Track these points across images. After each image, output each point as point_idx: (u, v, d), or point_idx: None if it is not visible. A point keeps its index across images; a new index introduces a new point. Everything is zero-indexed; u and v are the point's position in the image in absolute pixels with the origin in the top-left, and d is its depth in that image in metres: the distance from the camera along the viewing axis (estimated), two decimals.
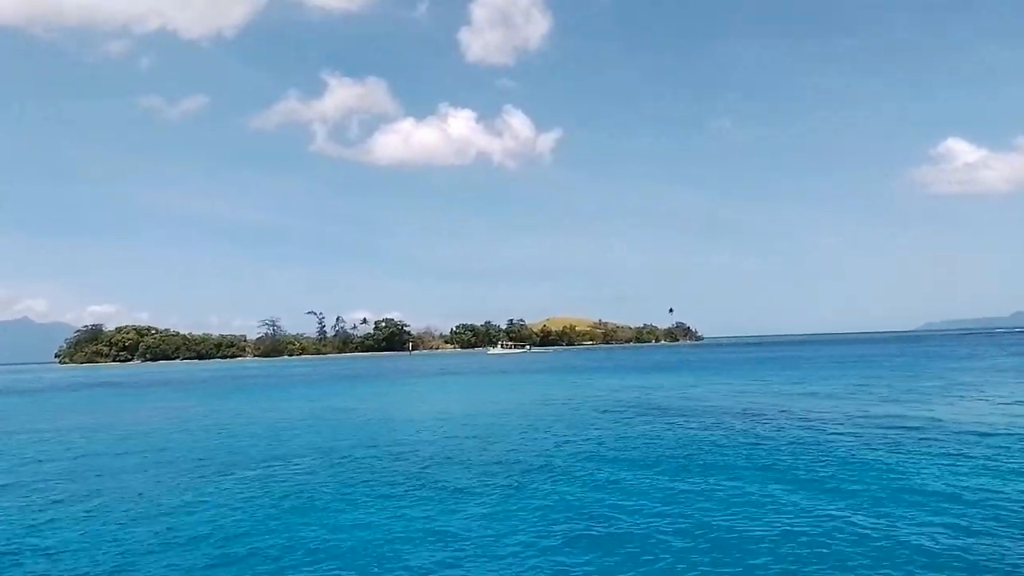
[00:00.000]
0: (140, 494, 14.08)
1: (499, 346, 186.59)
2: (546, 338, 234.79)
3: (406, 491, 13.48)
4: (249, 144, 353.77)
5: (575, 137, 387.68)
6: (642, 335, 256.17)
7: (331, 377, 68.65)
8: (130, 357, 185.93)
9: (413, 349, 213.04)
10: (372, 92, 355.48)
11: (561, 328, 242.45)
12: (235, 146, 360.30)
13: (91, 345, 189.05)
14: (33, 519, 12.32)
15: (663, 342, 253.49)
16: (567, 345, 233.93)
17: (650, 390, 37.03)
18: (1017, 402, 25.21)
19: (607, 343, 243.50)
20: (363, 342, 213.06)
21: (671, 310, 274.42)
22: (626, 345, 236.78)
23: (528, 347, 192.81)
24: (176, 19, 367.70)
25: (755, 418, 23.12)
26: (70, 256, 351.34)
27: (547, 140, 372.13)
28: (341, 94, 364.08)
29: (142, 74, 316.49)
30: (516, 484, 13.80)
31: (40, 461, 18.99)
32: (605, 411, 27.08)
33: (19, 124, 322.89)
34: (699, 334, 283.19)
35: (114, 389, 60.03)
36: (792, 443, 17.64)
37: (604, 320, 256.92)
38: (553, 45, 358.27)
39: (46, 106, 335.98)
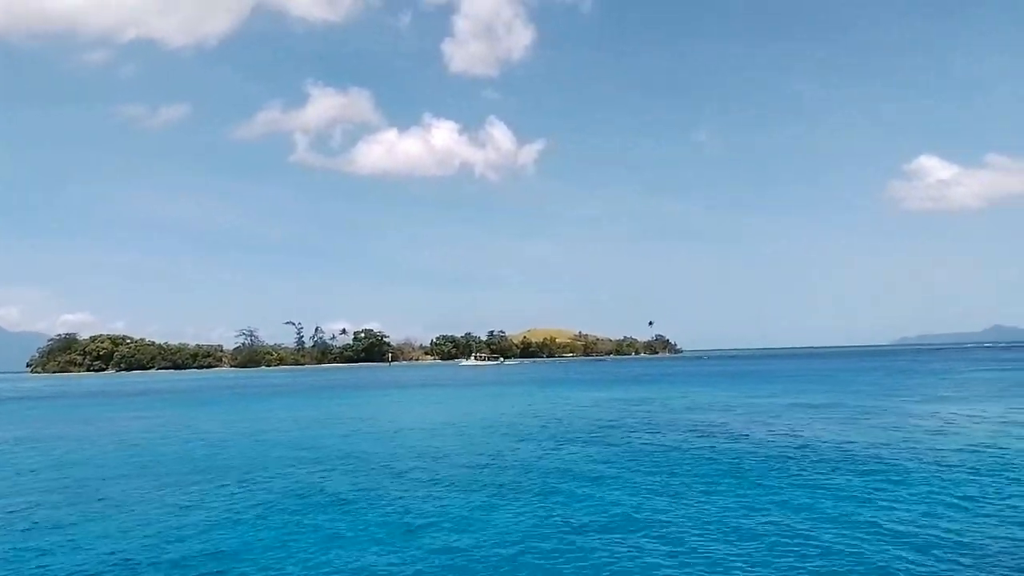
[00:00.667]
0: (140, 501, 14.32)
1: (472, 358, 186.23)
2: (527, 349, 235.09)
3: (371, 503, 13.88)
4: (230, 153, 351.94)
5: (558, 148, 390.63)
6: (622, 348, 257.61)
7: (307, 388, 68.48)
8: (104, 367, 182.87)
9: (393, 360, 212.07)
10: (355, 102, 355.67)
11: (542, 340, 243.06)
12: (216, 155, 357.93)
13: (65, 354, 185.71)
14: (42, 530, 12.53)
15: (643, 355, 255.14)
16: (547, 357, 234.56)
17: (628, 403, 37.62)
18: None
19: (587, 355, 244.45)
20: (342, 353, 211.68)
21: (651, 323, 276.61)
22: (605, 358, 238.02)
23: (501, 360, 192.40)
24: (158, 28, 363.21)
25: (727, 431, 23.80)
26: (44, 263, 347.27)
27: (530, 151, 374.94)
28: (324, 104, 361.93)
29: (123, 83, 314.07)
30: (503, 493, 14.25)
31: (34, 471, 19.06)
32: (583, 422, 27.61)
33: None
34: (678, 347, 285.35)
35: (98, 399, 59.33)
36: (764, 453, 18.30)
37: (584, 332, 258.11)
38: (536, 56, 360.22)
39: (22, 113, 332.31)
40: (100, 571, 10.03)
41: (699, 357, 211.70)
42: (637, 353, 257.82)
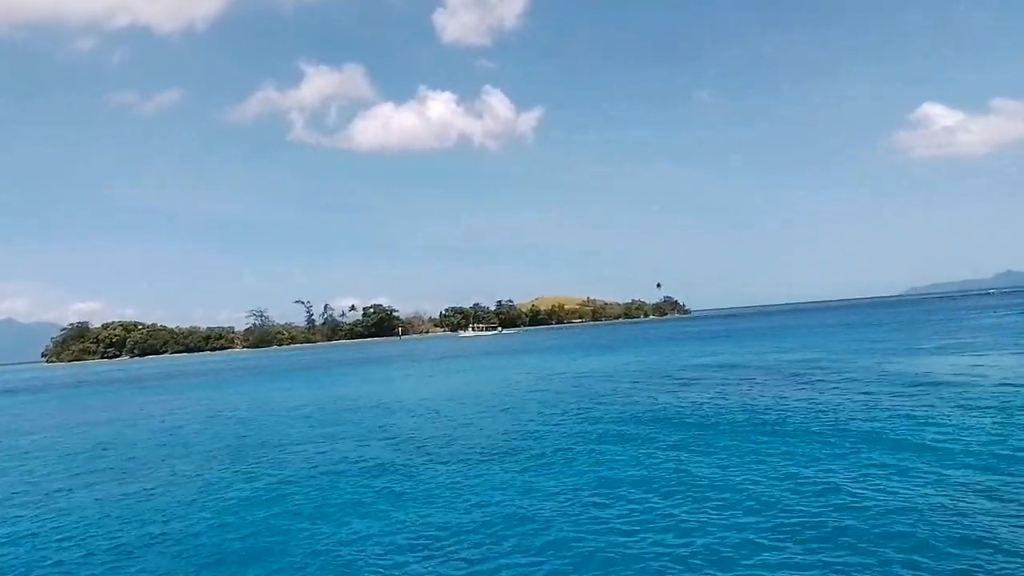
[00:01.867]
0: (203, 474, 14.61)
1: (470, 329, 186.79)
2: (535, 317, 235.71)
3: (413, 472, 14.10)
4: (226, 136, 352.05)
5: (556, 115, 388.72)
6: (631, 311, 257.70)
7: (327, 364, 69.20)
8: (118, 353, 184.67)
9: (403, 334, 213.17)
10: (349, 78, 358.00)
11: (550, 307, 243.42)
12: (212, 138, 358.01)
13: (78, 343, 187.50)
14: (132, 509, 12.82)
15: (652, 317, 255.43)
16: (556, 324, 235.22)
17: (636, 370, 37.79)
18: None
19: (596, 320, 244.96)
20: (352, 329, 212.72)
21: (659, 285, 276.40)
22: (615, 321, 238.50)
23: (499, 329, 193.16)
24: (146, 14, 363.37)
25: (748, 386, 23.95)
26: (51, 255, 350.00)
27: (528, 119, 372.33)
28: (318, 82, 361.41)
29: (114, 70, 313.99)
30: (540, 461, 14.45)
31: (104, 451, 19.43)
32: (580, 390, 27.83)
33: None
34: (687, 308, 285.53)
35: (125, 385, 60.14)
36: (782, 409, 18.43)
37: (593, 297, 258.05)
38: (529, 24, 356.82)
39: (15, 105, 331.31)
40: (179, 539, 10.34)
41: (707, 317, 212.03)
42: (646, 316, 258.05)
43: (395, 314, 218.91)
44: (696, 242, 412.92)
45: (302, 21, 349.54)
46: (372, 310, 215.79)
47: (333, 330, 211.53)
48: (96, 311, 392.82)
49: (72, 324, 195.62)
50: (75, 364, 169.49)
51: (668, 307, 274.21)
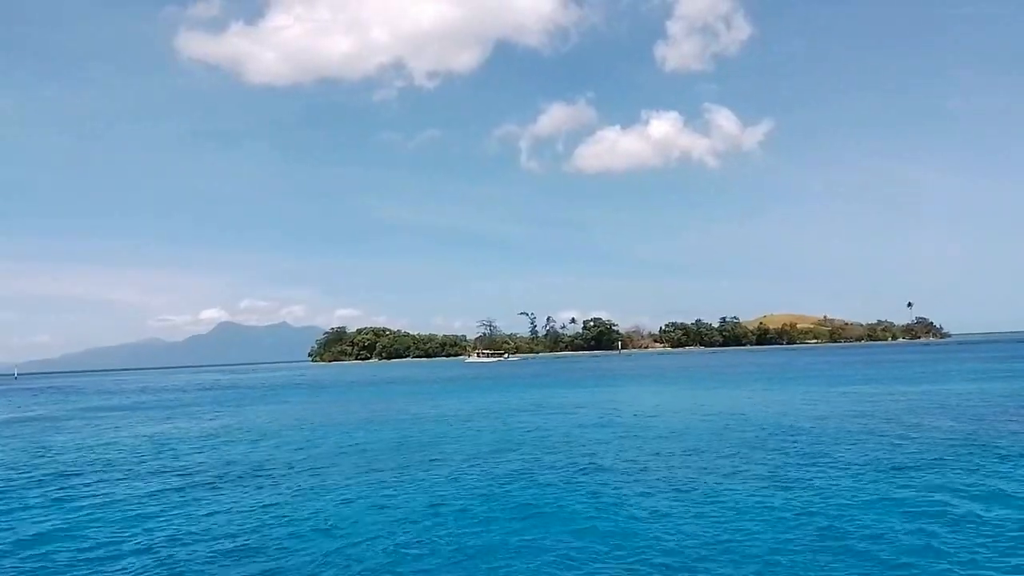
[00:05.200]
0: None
1: (475, 355, 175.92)
2: (763, 336, 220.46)
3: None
4: (470, 165, 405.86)
5: (786, 125, 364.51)
6: (875, 333, 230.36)
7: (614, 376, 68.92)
8: (369, 356, 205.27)
9: (623, 348, 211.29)
10: (579, 110, 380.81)
11: (780, 326, 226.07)
12: (458, 168, 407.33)
13: (337, 345, 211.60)
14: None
15: (901, 340, 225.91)
16: (787, 344, 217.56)
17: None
18: None
19: (834, 342, 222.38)
20: (572, 341, 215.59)
21: (910, 304, 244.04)
22: (856, 344, 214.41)
23: (506, 355, 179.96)
24: (412, 67, 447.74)
25: None
26: (320, 267, 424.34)
27: (755, 133, 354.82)
28: (552, 115, 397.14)
29: (383, 113, 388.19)
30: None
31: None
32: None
33: (280, 160, 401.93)
34: (944, 331, 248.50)
35: (400, 385, 65.22)
36: None
37: (830, 316, 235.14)
38: (752, 51, 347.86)
39: (304, 143, 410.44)
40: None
41: (973, 342, 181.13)
42: (894, 338, 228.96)
43: (614, 328, 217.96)
44: (957, 256, 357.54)
45: (538, 63, 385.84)
46: (592, 323, 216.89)
47: (555, 341, 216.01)
48: (354, 317, 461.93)
49: (332, 329, 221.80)
50: (334, 364, 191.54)
51: (921, 329, 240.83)
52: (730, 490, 12.72)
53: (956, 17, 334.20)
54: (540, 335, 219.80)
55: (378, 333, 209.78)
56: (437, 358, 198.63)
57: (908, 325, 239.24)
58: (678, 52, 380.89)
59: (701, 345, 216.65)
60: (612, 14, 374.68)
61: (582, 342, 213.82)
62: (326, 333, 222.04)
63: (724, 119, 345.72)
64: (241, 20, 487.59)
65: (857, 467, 14.40)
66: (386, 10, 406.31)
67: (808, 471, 14.20)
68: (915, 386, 36.67)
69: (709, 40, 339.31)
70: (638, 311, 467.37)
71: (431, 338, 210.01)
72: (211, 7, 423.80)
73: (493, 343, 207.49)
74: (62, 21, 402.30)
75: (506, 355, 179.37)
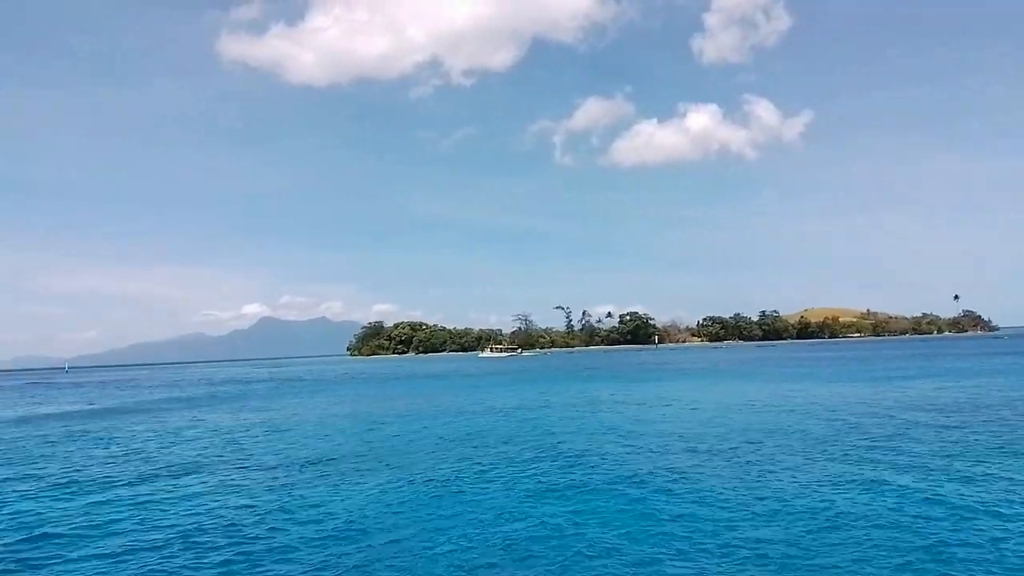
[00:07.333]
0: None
1: (488, 350, 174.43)
2: (804, 330, 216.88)
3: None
4: (505, 161, 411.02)
5: (827, 116, 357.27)
6: (920, 326, 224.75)
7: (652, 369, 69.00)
8: (406, 350, 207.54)
9: (659, 342, 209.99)
10: (615, 104, 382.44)
11: (822, 320, 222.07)
12: (492, 164, 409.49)
13: (374, 339, 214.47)
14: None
15: (947, 333, 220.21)
16: (828, 338, 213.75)
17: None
18: None
19: (877, 335, 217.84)
20: (608, 335, 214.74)
21: (956, 297, 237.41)
22: (900, 337, 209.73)
23: (519, 350, 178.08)
24: (449, 66, 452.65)
25: None
26: (359, 262, 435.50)
27: (795, 124, 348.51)
28: (588, 110, 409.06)
29: (419, 111, 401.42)
30: None
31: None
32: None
33: (318, 159, 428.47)
34: (993, 324, 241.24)
35: (441, 380, 66.18)
36: None
37: (873, 310, 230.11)
38: (793, 41, 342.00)
39: (341, 142, 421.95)
40: None
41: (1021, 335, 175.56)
42: (940, 331, 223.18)
43: (651, 322, 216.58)
44: (1005, 248, 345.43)
45: (574, 59, 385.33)
46: (628, 317, 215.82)
47: (591, 335, 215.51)
48: (391, 312, 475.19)
49: (370, 323, 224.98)
50: (372, 358, 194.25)
51: (968, 323, 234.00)
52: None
53: (999, 7, 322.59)
54: (576, 329, 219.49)
55: (415, 327, 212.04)
56: (472, 352, 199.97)
57: (955, 318, 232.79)
58: (716, 44, 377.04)
59: (740, 339, 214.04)
60: (648, 9, 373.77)
61: (618, 336, 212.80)
62: (364, 328, 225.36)
63: (763, 110, 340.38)
64: (281, 22, 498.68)
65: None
66: (422, 10, 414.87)
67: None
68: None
69: (748, 31, 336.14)
70: (675, 305, 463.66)
71: (467, 332, 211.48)
72: (252, 10, 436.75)
73: (529, 338, 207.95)
74: (107, 27, 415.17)
75: (519, 350, 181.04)
